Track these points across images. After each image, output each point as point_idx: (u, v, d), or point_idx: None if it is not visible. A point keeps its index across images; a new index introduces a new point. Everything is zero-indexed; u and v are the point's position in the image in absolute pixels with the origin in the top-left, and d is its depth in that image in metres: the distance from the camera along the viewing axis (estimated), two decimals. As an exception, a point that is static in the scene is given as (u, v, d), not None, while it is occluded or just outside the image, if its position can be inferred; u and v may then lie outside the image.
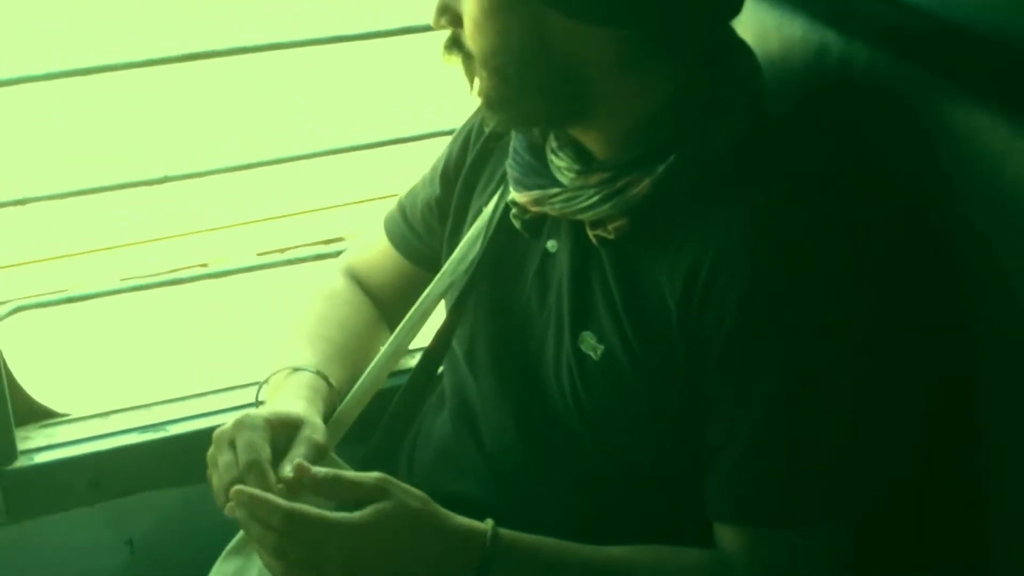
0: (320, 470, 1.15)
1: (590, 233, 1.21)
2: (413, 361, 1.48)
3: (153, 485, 1.55)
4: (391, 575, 1.13)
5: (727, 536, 1.19)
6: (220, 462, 1.20)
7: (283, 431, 1.24)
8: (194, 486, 1.52)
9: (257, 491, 1.12)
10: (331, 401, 1.38)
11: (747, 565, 1.18)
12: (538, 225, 1.28)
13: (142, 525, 1.56)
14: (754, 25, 1.26)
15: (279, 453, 1.21)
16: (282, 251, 4.91)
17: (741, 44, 1.22)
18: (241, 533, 1.36)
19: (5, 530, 1.48)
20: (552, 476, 1.27)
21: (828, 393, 1.15)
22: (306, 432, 1.25)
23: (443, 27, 1.20)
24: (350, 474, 1.15)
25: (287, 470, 1.17)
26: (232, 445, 1.20)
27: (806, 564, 1.18)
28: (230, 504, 1.14)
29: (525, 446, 1.29)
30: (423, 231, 1.49)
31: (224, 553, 1.37)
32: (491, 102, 1.21)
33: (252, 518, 1.10)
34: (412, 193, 1.52)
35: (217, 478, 1.20)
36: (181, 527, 1.54)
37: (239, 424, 1.22)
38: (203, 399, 1.62)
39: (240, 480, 1.16)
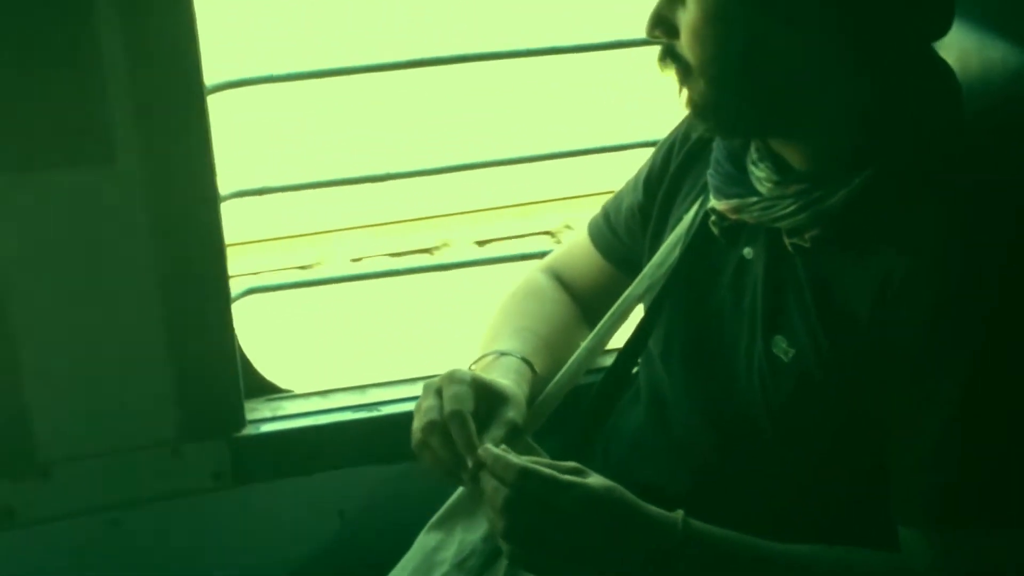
0: (526, 458, 1.21)
1: (786, 241, 1.26)
2: (607, 360, 1.54)
3: (365, 461, 1.66)
4: (593, 552, 1.19)
5: (912, 538, 1.21)
6: (424, 406, 1.31)
7: (486, 398, 1.33)
8: (403, 464, 1.64)
9: (497, 450, 1.21)
10: (533, 389, 1.46)
11: (932, 568, 1.20)
12: (735, 233, 1.33)
13: (353, 497, 1.67)
14: (955, 47, 1.27)
15: (478, 419, 1.30)
16: (499, 240, 5.07)
17: (942, 63, 1.24)
18: (443, 509, 1.47)
19: (231, 492, 1.61)
20: (738, 470, 1.32)
21: (1018, 395, 1.17)
22: (509, 413, 1.34)
23: (657, 38, 1.26)
24: (547, 461, 1.23)
25: (489, 438, 1.27)
26: (439, 394, 1.31)
27: (992, 567, 1.20)
28: (418, 441, 1.29)
29: (714, 441, 1.34)
30: (625, 235, 1.56)
31: (427, 527, 1.46)
32: (702, 110, 1.26)
33: (490, 474, 1.19)
34: (616, 199, 1.58)
35: (417, 420, 1.30)
36: (389, 501, 1.64)
37: (449, 376, 1.32)
38: (414, 384, 1.72)
39: (439, 425, 1.28)
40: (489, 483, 1.20)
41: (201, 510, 1.62)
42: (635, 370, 1.51)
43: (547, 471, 1.18)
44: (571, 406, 1.48)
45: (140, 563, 1.61)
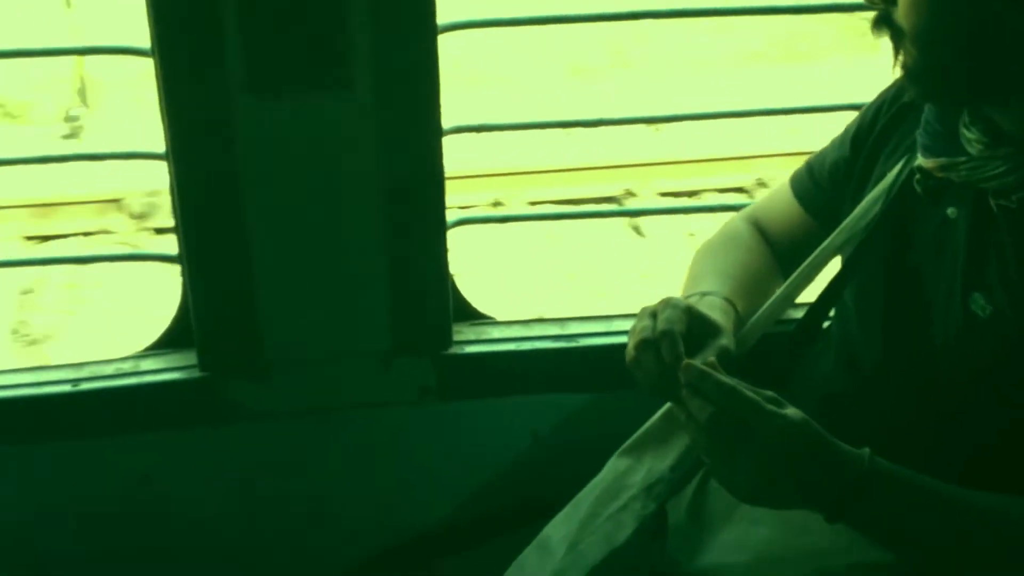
0: (729, 379, 1.26)
1: (992, 202, 1.29)
2: (797, 313, 1.59)
3: (560, 388, 1.75)
4: (782, 480, 1.23)
5: None
6: (638, 326, 1.38)
7: (697, 326, 1.40)
8: (596, 394, 1.73)
9: (705, 367, 1.25)
10: (734, 329, 1.52)
11: None
12: (939, 192, 1.36)
13: (547, 421, 1.76)
14: None
15: (688, 344, 1.36)
16: (690, 195, 5.09)
17: None
18: (635, 436, 1.55)
19: (434, 407, 1.73)
20: (930, 419, 1.36)
21: None
22: (721, 340, 1.40)
23: (874, 4, 1.30)
24: (750, 387, 1.26)
25: (699, 359, 1.32)
26: (653, 316, 1.38)
27: None
28: (632, 356, 1.36)
29: (905, 394, 1.38)
30: (828, 189, 1.60)
31: (618, 452, 1.55)
32: (915, 76, 1.30)
33: (695, 392, 1.24)
34: (821, 155, 1.63)
35: (632, 339, 1.38)
36: (580, 427, 1.73)
37: (664, 301, 1.40)
38: (610, 321, 1.80)
39: (651, 343, 1.35)
40: (694, 400, 1.25)
41: (405, 421, 1.74)
42: (826, 324, 1.56)
43: (751, 395, 1.23)
44: (761, 354, 1.53)
45: (346, 463, 1.74)
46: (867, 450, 1.26)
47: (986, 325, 1.29)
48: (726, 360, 1.37)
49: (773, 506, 1.30)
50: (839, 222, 1.51)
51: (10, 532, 1.68)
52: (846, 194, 1.54)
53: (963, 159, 1.31)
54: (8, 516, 1.68)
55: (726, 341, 1.40)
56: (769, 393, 1.26)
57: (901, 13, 1.27)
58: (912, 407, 1.37)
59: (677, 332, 1.36)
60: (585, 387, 1.74)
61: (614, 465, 1.56)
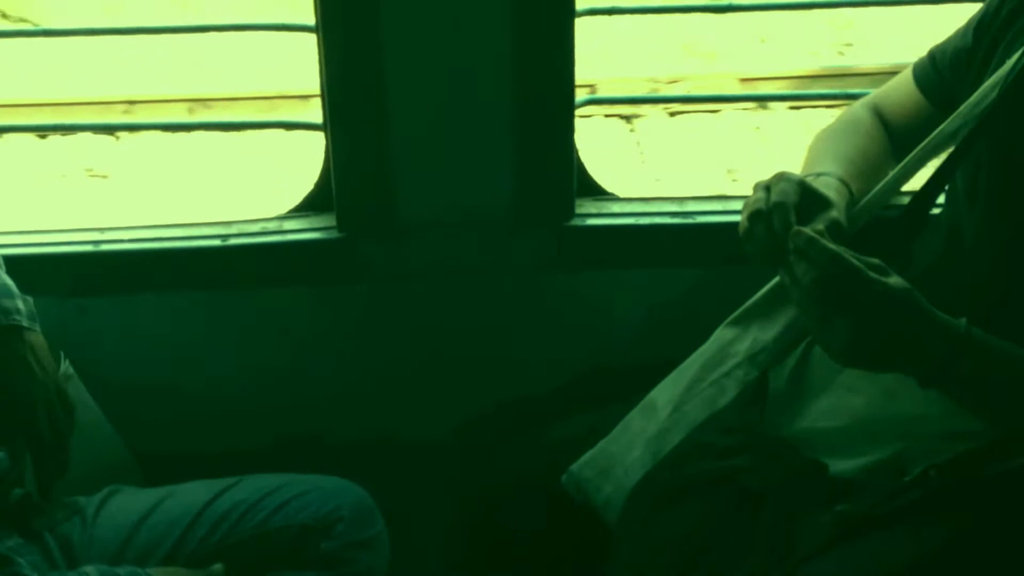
0: (837, 247, 1.31)
1: None
2: (906, 199, 1.63)
3: (676, 263, 1.82)
4: (879, 344, 1.29)
5: None
6: (751, 199, 1.44)
7: (811, 201, 1.45)
8: (709, 269, 1.80)
9: (813, 233, 1.30)
10: (847, 210, 1.57)
11: None
12: None
13: (661, 293, 1.84)
14: None
15: (800, 217, 1.41)
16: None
17: None
18: (743, 308, 1.62)
19: (553, 275, 1.82)
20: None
21: None
22: (832, 213, 1.45)
23: None
24: (855, 254, 1.30)
25: (808, 228, 1.36)
26: (767, 189, 1.44)
27: None
28: (745, 226, 1.42)
29: (1009, 274, 1.42)
30: (949, 76, 1.62)
31: (725, 322, 1.63)
32: None
33: (802, 256, 1.30)
34: (944, 43, 1.65)
35: (745, 211, 1.44)
36: (693, 301, 1.80)
37: (779, 175, 1.45)
38: (727, 201, 1.86)
39: (764, 214, 1.41)
40: (800, 264, 1.31)
41: (525, 288, 1.83)
42: (933, 211, 1.60)
43: (855, 261, 1.28)
44: (869, 235, 1.57)
45: (467, 326, 1.85)
46: (964, 320, 1.31)
47: None
48: (836, 234, 1.43)
49: (870, 368, 1.38)
50: (956, 108, 1.55)
51: (160, 373, 1.85)
52: (965, 83, 1.57)
53: None
54: (159, 359, 1.84)
55: (836, 214, 1.45)
56: (875, 261, 1.31)
57: None
58: (1013, 289, 1.42)
59: (790, 204, 1.42)
60: (702, 261, 1.81)
61: (720, 335, 1.65)
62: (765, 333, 1.61)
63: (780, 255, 1.38)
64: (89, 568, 1.35)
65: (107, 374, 1.74)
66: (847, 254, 1.29)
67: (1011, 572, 1.35)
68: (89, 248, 1.76)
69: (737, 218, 1.52)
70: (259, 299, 1.80)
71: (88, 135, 4.57)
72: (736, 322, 1.64)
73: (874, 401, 1.47)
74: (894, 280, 1.29)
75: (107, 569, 1.36)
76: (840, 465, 1.44)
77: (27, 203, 3.65)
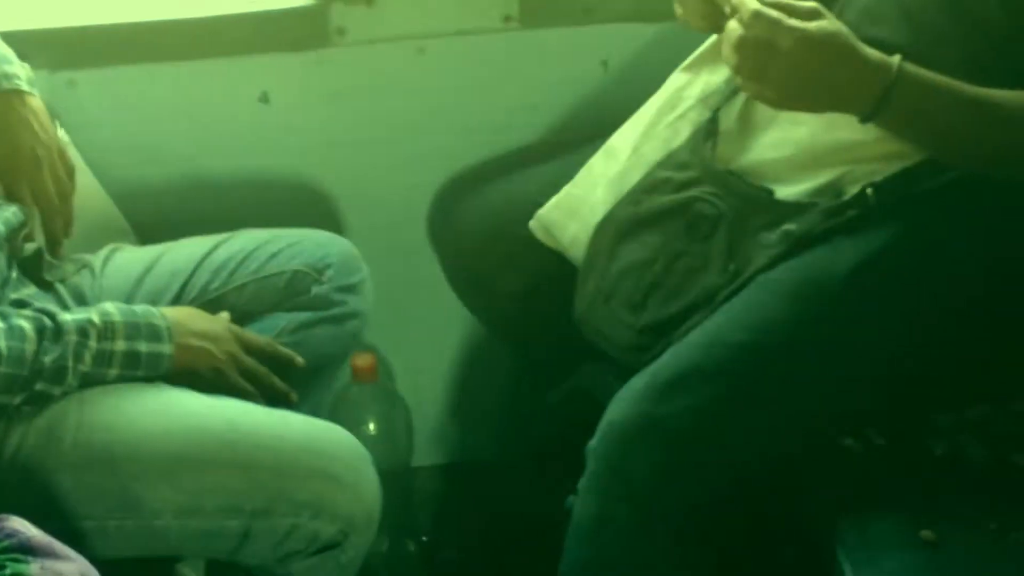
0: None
1: None
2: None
3: (631, 18, 1.93)
4: (812, 85, 1.41)
5: None
6: None
7: None
8: (665, 23, 1.89)
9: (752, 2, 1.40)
10: None
11: None
12: None
13: (618, 51, 1.96)
14: None
15: None
16: None
17: None
18: (693, 56, 1.74)
19: (515, 34, 1.92)
20: (959, 31, 1.48)
21: None
22: None
23: None
24: (785, 3, 1.41)
25: None
26: None
27: None
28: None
29: (943, 7, 1.49)
30: None
31: (677, 70, 1.75)
32: None
33: (730, 15, 1.41)
34: None
35: None
36: (651, 59, 1.92)
37: None
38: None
39: None
40: (730, 24, 1.43)
41: (489, 48, 1.94)
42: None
43: (774, 14, 1.38)
44: None
45: (438, 87, 1.95)
46: (898, 57, 1.42)
47: None
48: None
49: (808, 111, 1.51)
50: None
51: (147, 143, 1.94)
52: None
53: None
54: (145, 128, 1.93)
55: None
56: (807, 6, 1.42)
57: None
58: (943, 20, 1.51)
59: None
60: (657, 16, 1.89)
61: (674, 80, 1.76)
62: (714, 76, 1.72)
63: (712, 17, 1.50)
64: (107, 304, 1.48)
65: (96, 143, 1.84)
66: (775, 5, 1.39)
67: (940, 270, 1.50)
68: (76, 23, 1.84)
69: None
70: (240, 66, 1.89)
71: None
72: (688, 68, 1.75)
73: (816, 131, 1.57)
74: (823, 23, 1.39)
75: (124, 306, 1.49)
76: (786, 191, 1.57)
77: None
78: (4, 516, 1.15)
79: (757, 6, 1.40)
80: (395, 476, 2.03)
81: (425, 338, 2.14)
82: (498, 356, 2.08)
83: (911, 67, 1.42)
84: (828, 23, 1.41)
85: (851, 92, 1.43)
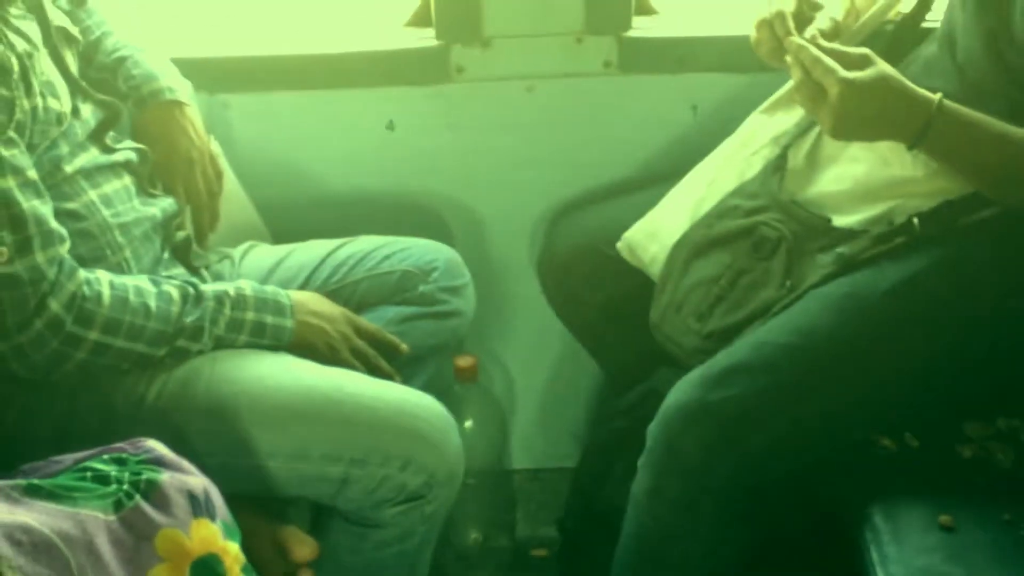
0: (824, 43, 1.66)
1: None
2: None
3: (721, 68, 2.15)
4: (862, 120, 1.61)
5: None
6: (759, 10, 1.76)
7: (808, 8, 1.78)
8: (745, 74, 2.12)
9: (802, 40, 1.65)
10: (845, 24, 1.88)
11: None
12: None
13: (706, 97, 2.18)
14: None
15: (801, 22, 1.74)
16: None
17: None
18: (770, 100, 1.94)
19: (615, 79, 2.15)
20: (1005, 84, 1.69)
21: None
22: (823, 16, 1.77)
23: None
24: (839, 49, 1.64)
25: (805, 33, 1.70)
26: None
27: None
28: (755, 39, 1.76)
29: (988, 61, 1.70)
30: None
31: (754, 112, 1.96)
32: None
33: (795, 61, 1.64)
34: None
35: (755, 21, 1.76)
36: (736, 103, 2.08)
37: None
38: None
39: (767, 21, 1.74)
40: (795, 68, 1.65)
41: (591, 90, 2.16)
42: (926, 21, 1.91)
43: (829, 63, 1.60)
44: (874, 43, 1.85)
45: (544, 122, 2.19)
46: (939, 94, 1.61)
47: None
48: (832, 32, 1.76)
49: (860, 140, 1.71)
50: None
51: (286, 160, 2.21)
52: None
53: None
54: (285, 148, 2.20)
55: (830, 13, 1.77)
56: (858, 53, 1.63)
57: None
58: (989, 69, 1.70)
59: (787, 12, 1.74)
60: (745, 67, 2.09)
61: (751, 121, 1.97)
62: (786, 119, 1.93)
63: (780, 53, 1.72)
64: (243, 281, 1.74)
65: (243, 156, 2.11)
66: (827, 57, 1.60)
67: (975, 292, 1.67)
68: (232, 54, 2.13)
69: (770, 32, 1.85)
70: (371, 96, 2.15)
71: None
72: (763, 111, 1.96)
73: (872, 168, 1.78)
74: (871, 71, 1.60)
75: (256, 284, 1.74)
76: (842, 220, 1.77)
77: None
78: (144, 439, 1.38)
79: (814, 54, 1.62)
80: (490, 475, 2.24)
81: (522, 348, 2.37)
82: (587, 369, 2.28)
83: (950, 104, 1.62)
84: (873, 70, 1.62)
85: (898, 122, 1.63)
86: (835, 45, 1.67)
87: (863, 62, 1.63)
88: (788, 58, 1.67)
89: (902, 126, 1.63)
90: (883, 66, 1.63)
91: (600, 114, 2.19)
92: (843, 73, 1.60)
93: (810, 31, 1.72)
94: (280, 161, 2.19)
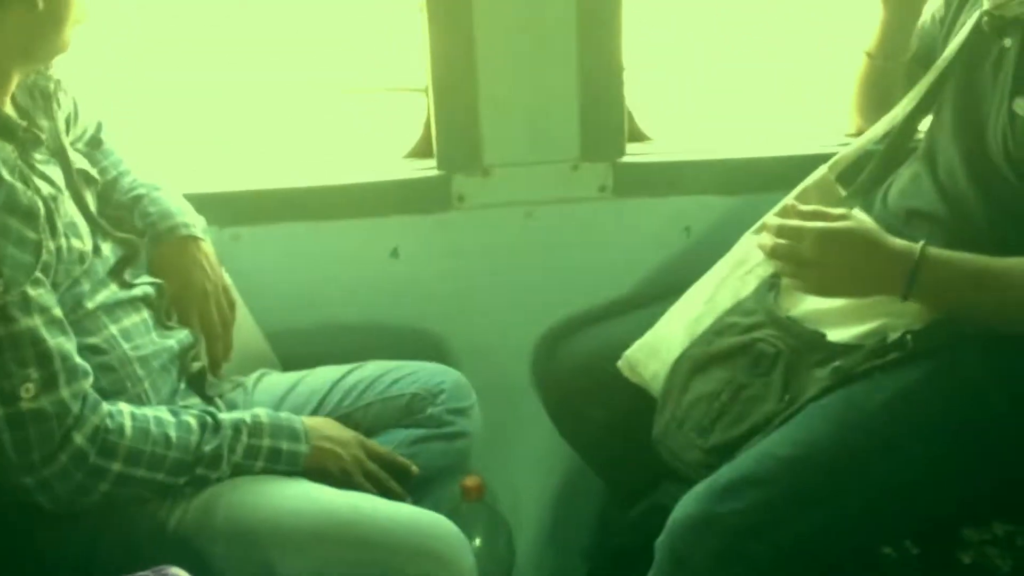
0: (803, 207, 1.78)
1: None
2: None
3: (711, 191, 2.25)
4: (844, 276, 1.73)
5: None
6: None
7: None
8: (735, 196, 2.21)
9: (775, 218, 1.78)
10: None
11: None
12: (1000, 28, 1.78)
13: (699, 219, 2.27)
14: None
15: None
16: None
17: None
18: (760, 221, 2.00)
19: (611, 203, 2.24)
20: (985, 199, 1.79)
21: None
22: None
23: None
24: (818, 210, 1.76)
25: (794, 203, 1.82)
26: None
27: None
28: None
29: (968, 178, 1.81)
30: (927, 36, 2.03)
31: (748, 232, 2.04)
32: None
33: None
34: (927, 15, 2.06)
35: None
36: (730, 224, 2.14)
37: None
38: (749, 143, 2.28)
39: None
40: (762, 238, 1.79)
41: (588, 213, 2.25)
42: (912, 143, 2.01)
43: (794, 223, 1.73)
44: (864, 161, 2.01)
45: (542, 246, 2.27)
46: (922, 243, 1.71)
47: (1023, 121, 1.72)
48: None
49: (847, 296, 1.80)
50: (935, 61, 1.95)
51: (294, 290, 2.27)
52: (939, 39, 1.98)
53: None
54: (293, 276, 2.26)
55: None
56: (839, 211, 1.75)
57: None
58: (970, 189, 1.80)
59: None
60: (735, 189, 2.22)
61: (745, 241, 2.05)
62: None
63: None
64: (258, 409, 1.79)
65: (253, 287, 2.16)
66: (808, 223, 1.73)
67: (968, 404, 1.74)
68: (242, 188, 2.22)
69: (759, 154, 1.95)
70: (376, 225, 2.23)
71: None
72: (756, 231, 2.03)
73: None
74: (840, 224, 1.72)
75: (271, 411, 1.79)
76: (837, 334, 1.84)
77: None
78: (167, 566, 1.43)
79: (777, 221, 1.75)
80: (498, 591, 2.27)
81: (527, 466, 2.42)
82: (592, 485, 2.32)
83: (934, 250, 1.71)
84: (852, 222, 1.73)
85: (882, 276, 1.73)
86: (815, 206, 1.78)
87: (841, 218, 1.74)
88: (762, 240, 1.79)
89: (888, 278, 1.72)
90: (861, 220, 1.75)
91: (597, 237, 2.27)
92: (815, 224, 1.71)
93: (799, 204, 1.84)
94: (289, 290, 2.25)
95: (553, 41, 2.12)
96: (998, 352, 1.74)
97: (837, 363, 1.79)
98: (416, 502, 1.88)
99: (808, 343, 1.84)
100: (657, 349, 2.03)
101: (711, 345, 1.94)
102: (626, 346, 2.06)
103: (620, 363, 2.06)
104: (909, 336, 1.77)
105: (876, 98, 2.08)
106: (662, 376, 1.99)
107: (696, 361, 1.94)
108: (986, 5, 1.80)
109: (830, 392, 1.77)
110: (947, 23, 1.97)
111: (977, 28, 1.84)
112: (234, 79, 2.39)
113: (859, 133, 2.14)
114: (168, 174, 2.04)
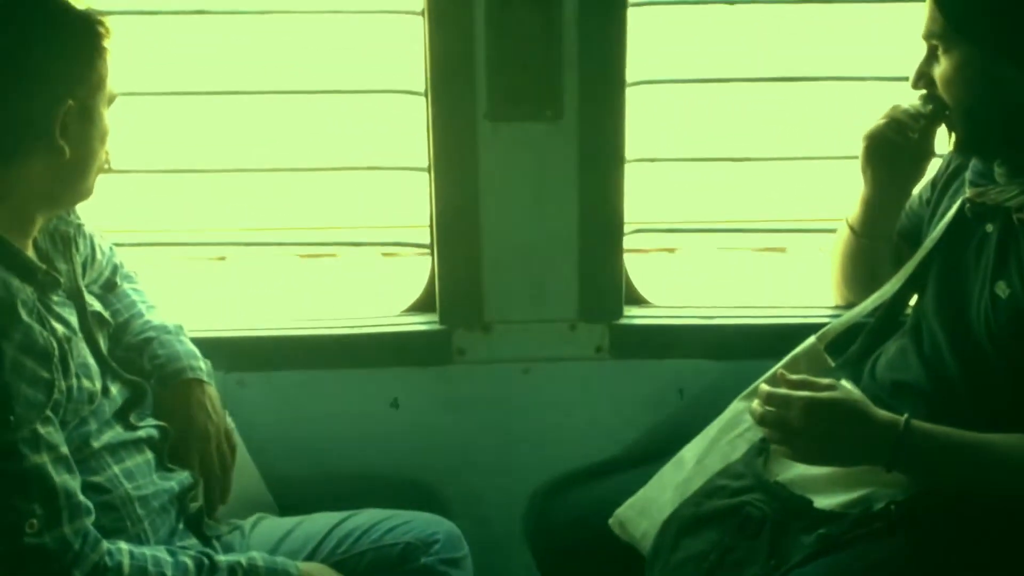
0: (791, 376, 1.85)
1: (1015, 217, 1.79)
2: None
3: (704, 355, 2.31)
4: (829, 445, 1.78)
5: None
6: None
7: None
8: (729, 361, 2.27)
9: (764, 386, 1.84)
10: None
11: None
12: (982, 214, 1.87)
13: (693, 383, 2.33)
14: None
15: None
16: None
17: None
18: (750, 387, 2.07)
19: (607, 364, 2.31)
20: (967, 377, 1.86)
21: None
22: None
23: (920, 88, 1.87)
24: (812, 378, 1.83)
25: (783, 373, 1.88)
26: None
27: None
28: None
29: (952, 355, 1.88)
30: (914, 216, 2.12)
31: (738, 397, 2.09)
32: (960, 145, 1.88)
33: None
34: (915, 195, 2.15)
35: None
36: (717, 389, 2.21)
37: None
38: (744, 308, 2.36)
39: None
40: (753, 404, 1.85)
41: (584, 373, 2.31)
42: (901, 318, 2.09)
43: (783, 392, 1.80)
44: (854, 332, 2.08)
45: (539, 403, 2.32)
46: (905, 415, 1.77)
47: (1005, 304, 1.80)
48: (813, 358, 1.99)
49: (833, 466, 1.85)
50: (922, 242, 2.03)
51: (295, 435, 2.32)
52: (925, 220, 2.06)
53: (992, 186, 1.82)
54: (295, 422, 2.31)
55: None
56: (825, 381, 1.82)
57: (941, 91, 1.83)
58: (955, 366, 1.87)
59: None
60: (726, 355, 2.29)
61: (735, 406, 2.10)
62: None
63: None
64: (254, 553, 1.82)
65: (255, 432, 2.21)
66: (785, 392, 1.80)
67: (948, 570, 1.78)
68: (245, 334, 2.29)
69: (752, 322, 2.02)
70: (377, 376, 2.30)
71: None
72: (746, 397, 2.09)
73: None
74: (827, 394, 1.79)
75: (267, 555, 1.82)
76: (822, 502, 1.88)
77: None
78: None
79: (767, 389, 1.81)
80: None
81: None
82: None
83: (917, 423, 1.77)
84: (839, 392, 1.80)
85: (866, 446, 1.79)
86: (803, 376, 1.85)
87: (828, 389, 1.81)
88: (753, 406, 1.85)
89: (872, 448, 1.78)
90: (848, 391, 1.82)
91: (592, 396, 2.33)
92: (803, 393, 1.78)
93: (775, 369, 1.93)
94: (290, 436, 2.30)
95: (555, 203, 2.21)
96: (973, 522, 1.78)
97: (822, 530, 1.83)
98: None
99: (795, 509, 1.88)
100: (648, 508, 2.06)
101: (700, 507, 1.98)
102: (618, 504, 2.09)
103: (611, 521, 2.09)
104: (893, 507, 1.82)
105: (861, 274, 2.16)
106: (652, 535, 2.02)
107: (685, 521, 1.97)
108: (968, 193, 1.90)
109: (815, 559, 1.81)
110: (932, 204, 2.06)
111: (960, 213, 1.93)
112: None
113: (844, 305, 2.23)
114: (179, 315, 2.10)
